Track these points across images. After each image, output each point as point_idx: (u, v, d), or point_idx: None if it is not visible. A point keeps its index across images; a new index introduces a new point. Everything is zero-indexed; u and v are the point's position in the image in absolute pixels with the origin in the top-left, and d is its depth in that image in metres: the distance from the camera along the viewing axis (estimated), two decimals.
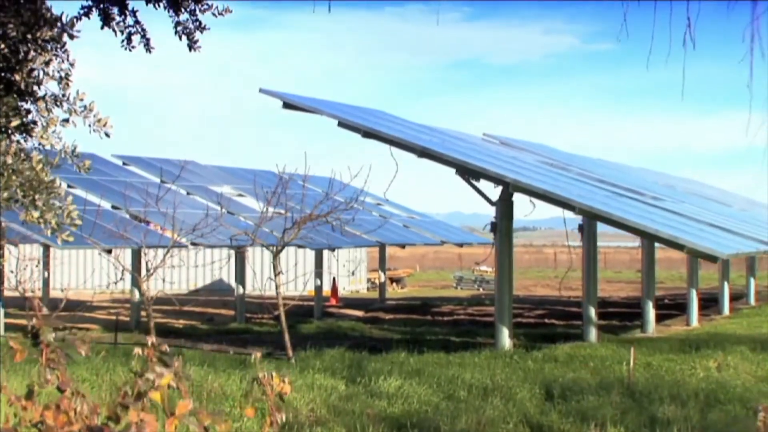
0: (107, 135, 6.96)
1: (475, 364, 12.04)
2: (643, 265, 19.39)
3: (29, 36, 5.77)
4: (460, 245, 32.43)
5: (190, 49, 7.76)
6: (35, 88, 6.40)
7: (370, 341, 19.43)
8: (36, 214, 5.89)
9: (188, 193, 25.25)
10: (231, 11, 7.37)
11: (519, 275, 42.86)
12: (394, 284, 40.55)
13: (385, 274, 32.02)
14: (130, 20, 7.22)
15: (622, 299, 33.61)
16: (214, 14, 7.25)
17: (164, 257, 13.67)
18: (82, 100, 6.66)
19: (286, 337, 12.16)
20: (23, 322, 15.79)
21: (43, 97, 6.46)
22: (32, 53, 6.25)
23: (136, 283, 21.75)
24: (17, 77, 6.30)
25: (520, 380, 9.97)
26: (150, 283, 29.57)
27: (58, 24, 5.81)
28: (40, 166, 6.00)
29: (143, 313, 15.04)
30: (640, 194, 17.69)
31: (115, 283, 19.21)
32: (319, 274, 27.34)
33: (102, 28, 7.11)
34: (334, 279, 32.15)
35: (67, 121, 6.63)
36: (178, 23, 7.36)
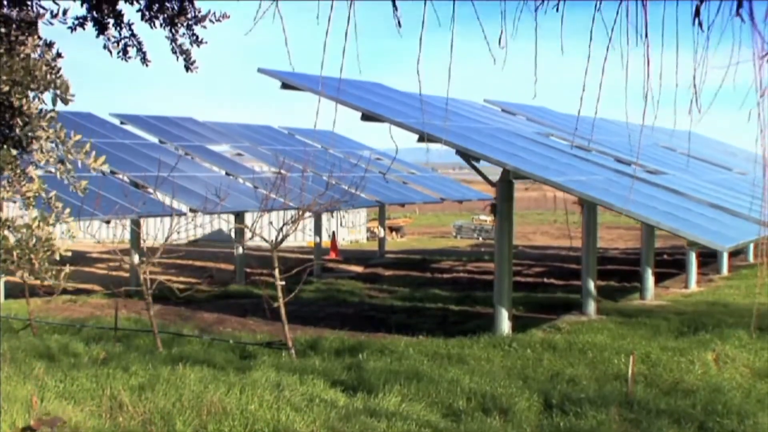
0: (103, 173, 6.89)
1: (474, 358, 12.09)
2: (643, 236, 19.43)
3: (23, 100, 5.67)
4: (460, 202, 32.39)
5: (187, 70, 7.65)
6: (32, 135, 6.33)
7: (370, 310, 19.54)
8: (34, 273, 5.85)
9: (186, 154, 25.10)
10: (228, 17, 7.24)
11: (518, 219, 42.89)
12: (394, 233, 40.60)
13: (384, 230, 32.02)
14: (125, 32, 7.11)
15: (621, 254, 33.63)
16: (211, 20, 7.13)
17: (164, 243, 13.64)
18: (77, 140, 6.60)
19: (286, 329, 12.19)
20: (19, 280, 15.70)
21: (38, 115, 6.39)
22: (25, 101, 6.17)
23: (135, 245, 21.76)
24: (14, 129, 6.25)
25: (519, 385, 9.99)
26: (150, 231, 29.45)
27: (52, 86, 5.71)
28: (36, 222, 5.94)
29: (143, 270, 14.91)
30: (641, 166, 17.62)
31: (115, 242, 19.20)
32: (318, 231, 27.35)
33: (97, 37, 7.00)
34: (333, 233, 32.16)
35: (62, 162, 6.57)
36: (174, 40, 7.24)
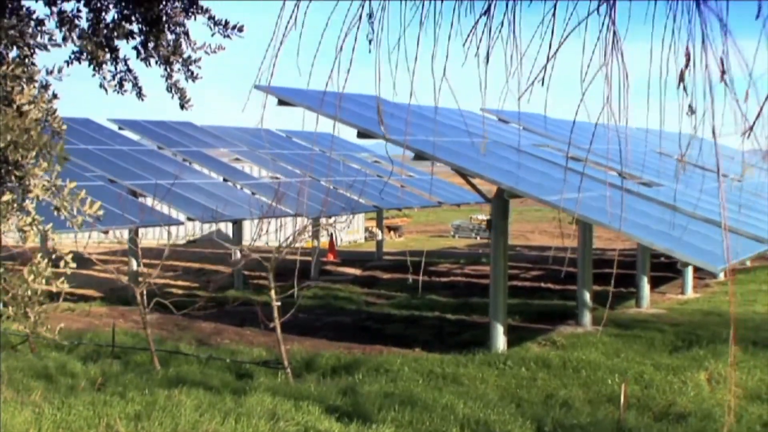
0: (98, 218, 6.97)
1: (468, 378, 12.19)
2: (639, 244, 19.49)
3: (19, 156, 5.76)
4: (458, 205, 32.47)
5: (182, 108, 7.77)
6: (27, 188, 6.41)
7: (367, 319, 19.60)
8: (30, 326, 5.93)
9: (184, 160, 25.16)
10: (224, 48, 7.33)
11: (517, 217, 42.93)
12: (392, 233, 40.72)
13: (382, 233, 32.10)
14: (121, 66, 7.21)
15: (618, 255, 33.64)
16: (206, 52, 7.22)
17: (164, 258, 13.76)
18: (72, 188, 6.69)
19: (283, 349, 12.28)
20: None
21: (33, 164, 6.46)
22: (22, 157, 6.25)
23: (134, 255, 21.82)
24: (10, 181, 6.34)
25: (512, 411, 10.08)
26: (149, 234, 29.42)
27: (47, 148, 5.80)
28: (32, 276, 6.01)
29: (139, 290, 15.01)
30: (635, 178, 17.73)
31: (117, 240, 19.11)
32: (316, 234, 27.40)
33: (93, 75, 7.10)
34: (331, 235, 32.23)
35: (58, 209, 6.65)
36: (169, 76, 7.35)
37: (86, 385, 11.38)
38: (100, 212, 6.81)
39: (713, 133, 3.35)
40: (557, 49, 4.12)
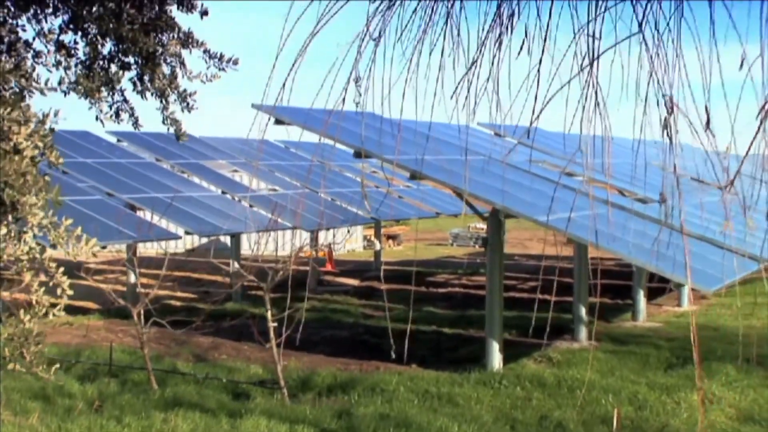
0: (94, 255, 7.05)
1: (463, 398, 12.26)
2: None
3: (15, 198, 5.85)
4: (456, 215, 32.55)
5: (177, 139, 7.88)
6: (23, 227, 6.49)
7: (365, 333, 19.65)
8: (26, 366, 6.00)
9: (182, 172, 25.25)
10: (220, 77, 7.42)
11: (515, 224, 42.93)
12: (390, 241, 40.81)
13: (380, 243, 32.15)
14: (117, 97, 7.30)
15: (613, 266, 33.72)
16: (202, 81, 7.31)
17: (163, 271, 13.87)
18: (68, 224, 6.77)
19: (279, 369, 12.35)
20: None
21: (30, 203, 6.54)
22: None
23: (132, 270, 21.87)
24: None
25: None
26: (148, 244, 29.41)
27: (43, 191, 5.88)
28: (27, 317, 6.09)
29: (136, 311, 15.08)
30: (632, 193, 17.81)
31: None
32: (314, 248, 27.50)
33: (89, 108, 7.20)
34: (330, 245, 32.31)
35: (54, 246, 6.72)
36: (165, 108, 7.45)
37: (83, 407, 11.45)
38: (96, 248, 6.88)
39: (681, 228, 3.46)
40: (541, 111, 4.22)
